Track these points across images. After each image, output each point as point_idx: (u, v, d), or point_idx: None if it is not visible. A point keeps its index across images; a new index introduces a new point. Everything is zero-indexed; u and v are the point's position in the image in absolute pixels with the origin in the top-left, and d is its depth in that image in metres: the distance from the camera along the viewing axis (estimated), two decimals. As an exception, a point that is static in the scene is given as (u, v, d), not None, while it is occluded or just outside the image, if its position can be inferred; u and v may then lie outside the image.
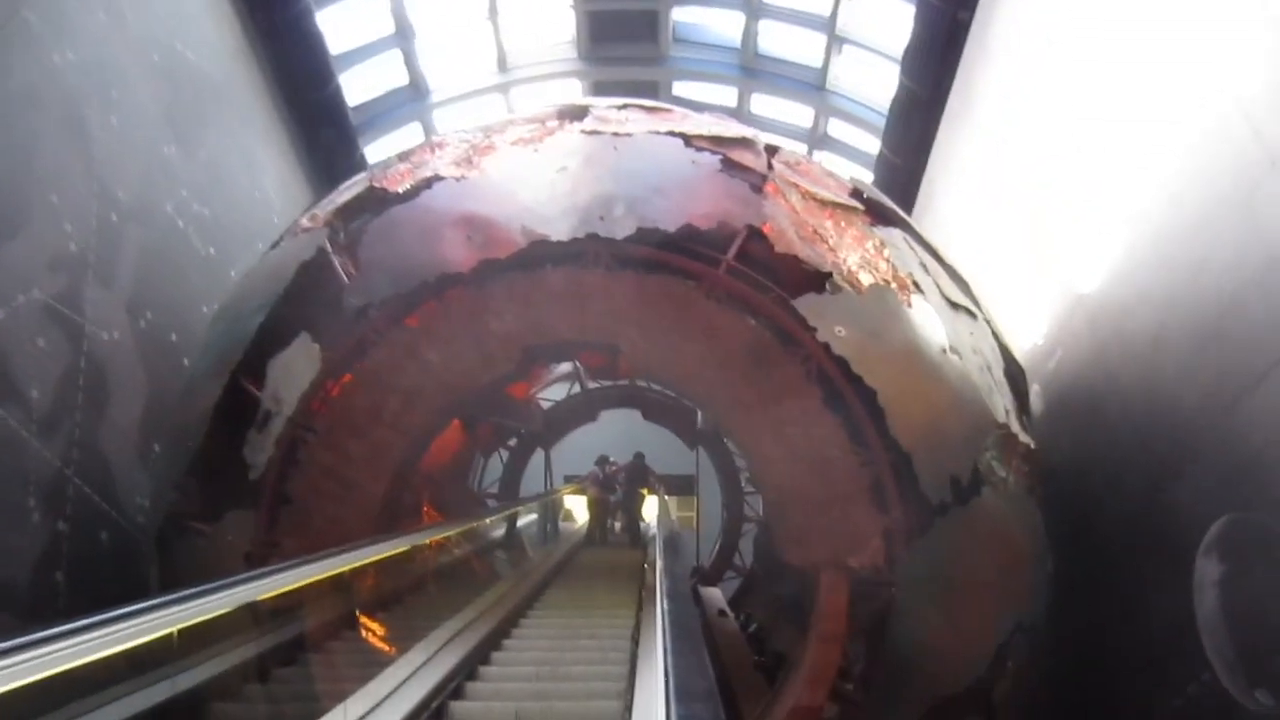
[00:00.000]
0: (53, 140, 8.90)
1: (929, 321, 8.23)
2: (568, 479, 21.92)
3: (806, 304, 7.92)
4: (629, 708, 5.40)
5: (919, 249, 9.19)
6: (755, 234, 8.28)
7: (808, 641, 7.45)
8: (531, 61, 18.69)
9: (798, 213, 8.50)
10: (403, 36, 16.86)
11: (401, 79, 17.77)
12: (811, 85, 17.95)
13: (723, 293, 8.02)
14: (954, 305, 8.82)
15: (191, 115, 11.96)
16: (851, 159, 17.97)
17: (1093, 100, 9.81)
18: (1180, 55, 7.95)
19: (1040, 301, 10.98)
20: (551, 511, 18.14)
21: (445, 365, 7.90)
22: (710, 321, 7.93)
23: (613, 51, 18.51)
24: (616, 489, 18.18)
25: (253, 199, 13.83)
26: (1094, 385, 9.56)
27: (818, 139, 18.66)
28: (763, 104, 18.91)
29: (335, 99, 15.72)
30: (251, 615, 5.79)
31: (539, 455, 19.96)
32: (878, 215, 9.15)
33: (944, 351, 8.09)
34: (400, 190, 8.76)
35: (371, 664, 7.01)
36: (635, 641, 7.00)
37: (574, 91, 18.76)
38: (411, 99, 18.01)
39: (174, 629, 4.39)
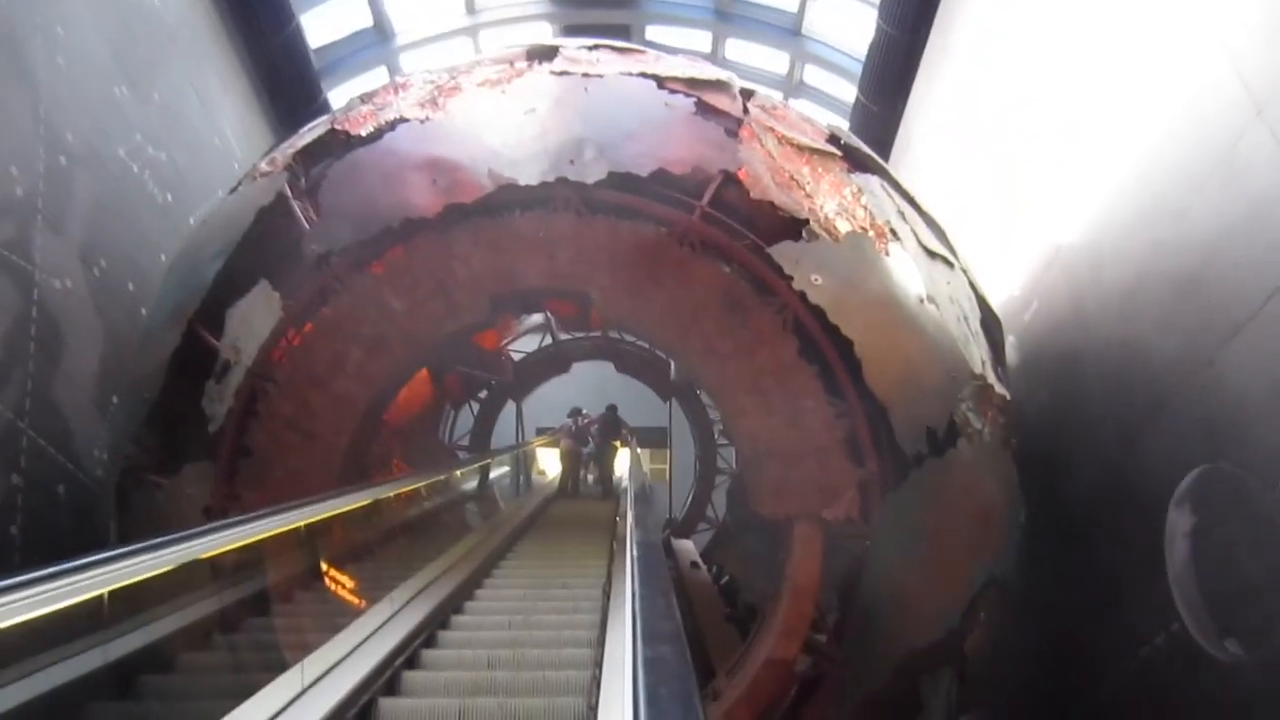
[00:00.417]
0: (-7, 78, 8.52)
1: (906, 270, 8.08)
2: (540, 431, 21.80)
3: (782, 251, 7.74)
4: (600, 655, 5.37)
5: (896, 196, 9.01)
6: (730, 179, 8.08)
7: (781, 594, 7.37)
8: (500, 4, 18.20)
9: (774, 158, 8.29)
10: (367, -25, 16.36)
11: (365, 20, 17.26)
12: (787, 30, 17.61)
13: (696, 239, 7.82)
14: (931, 254, 8.67)
15: (143, 55, 11.51)
16: (828, 107, 17.71)
17: (1073, 45, 9.61)
18: (1165, -2, 7.77)
19: (1017, 252, 10.86)
20: (524, 464, 18.03)
21: (409, 314, 7.65)
22: (683, 269, 7.74)
23: (584, -7, 18.09)
24: (590, 441, 18.07)
25: (212, 144, 13.40)
26: (1070, 336, 9.47)
27: (793, 86, 18.36)
28: (737, 50, 18.54)
29: (295, 40, 15.21)
30: (212, 569, 5.62)
31: (510, 408, 19.78)
32: (855, 162, 8.96)
33: (921, 301, 7.95)
34: (363, 133, 8.48)
35: (343, 614, 6.95)
36: (607, 595, 6.90)
37: (544, 35, 18.31)
38: (376, 42, 17.51)
39: (126, 583, 4.18)
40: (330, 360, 7.55)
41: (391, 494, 8.13)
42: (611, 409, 18.10)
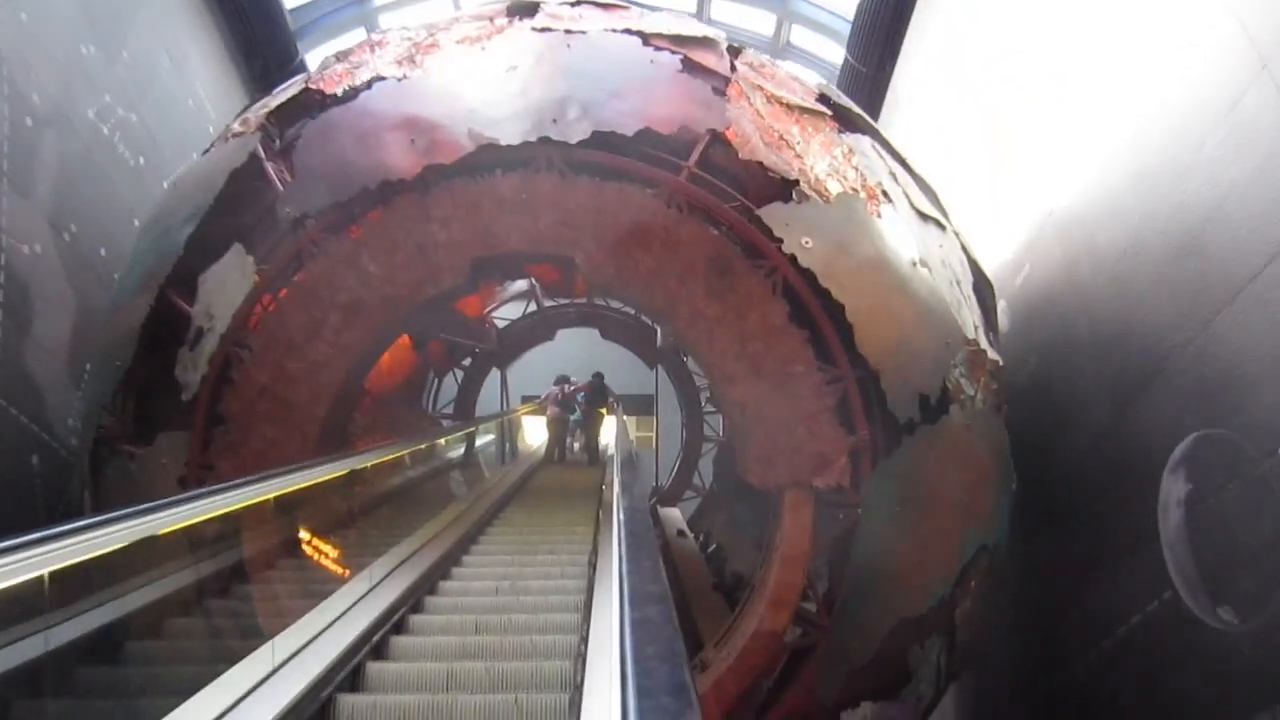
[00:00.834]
0: (-49, 36, 8.21)
1: (898, 233, 7.90)
2: (525, 399, 21.63)
3: (772, 213, 7.53)
4: (588, 617, 5.26)
5: (888, 157, 8.81)
6: (718, 139, 7.86)
7: (769, 563, 7.23)
8: (482, -39, 17.74)
9: (763, 117, 8.06)
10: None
11: (344, -22, 16.82)
12: (775, -12, 17.27)
13: (683, 201, 7.60)
14: (923, 216, 8.49)
15: (111, 13, 11.13)
16: (815, 69, 17.38)
17: (1065, 2, 9.39)
18: (1166, -52, 7.55)
19: (1009, 215, 10.68)
20: (510, 431, 17.89)
21: (388, 278, 7.42)
22: (670, 231, 7.52)
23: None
24: (576, 409, 17.92)
25: (185, 106, 13.05)
26: (1063, 301, 9.32)
27: (780, 47, 18.01)
28: (723, 10, 18.16)
29: (271, -1, 14.81)
30: (191, 539, 5.46)
31: (495, 375, 19.58)
32: (846, 122, 8.74)
33: (914, 265, 7.77)
34: (338, 92, 8.22)
35: (326, 582, 6.87)
36: (593, 566, 6.79)
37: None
38: (354, 1, 17.07)
39: (95, 554, 3.98)
40: (306, 326, 7.32)
41: (370, 463, 7.94)
42: (598, 376, 17.94)
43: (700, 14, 17.78)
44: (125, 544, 4.03)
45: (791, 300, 7.45)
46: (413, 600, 6.25)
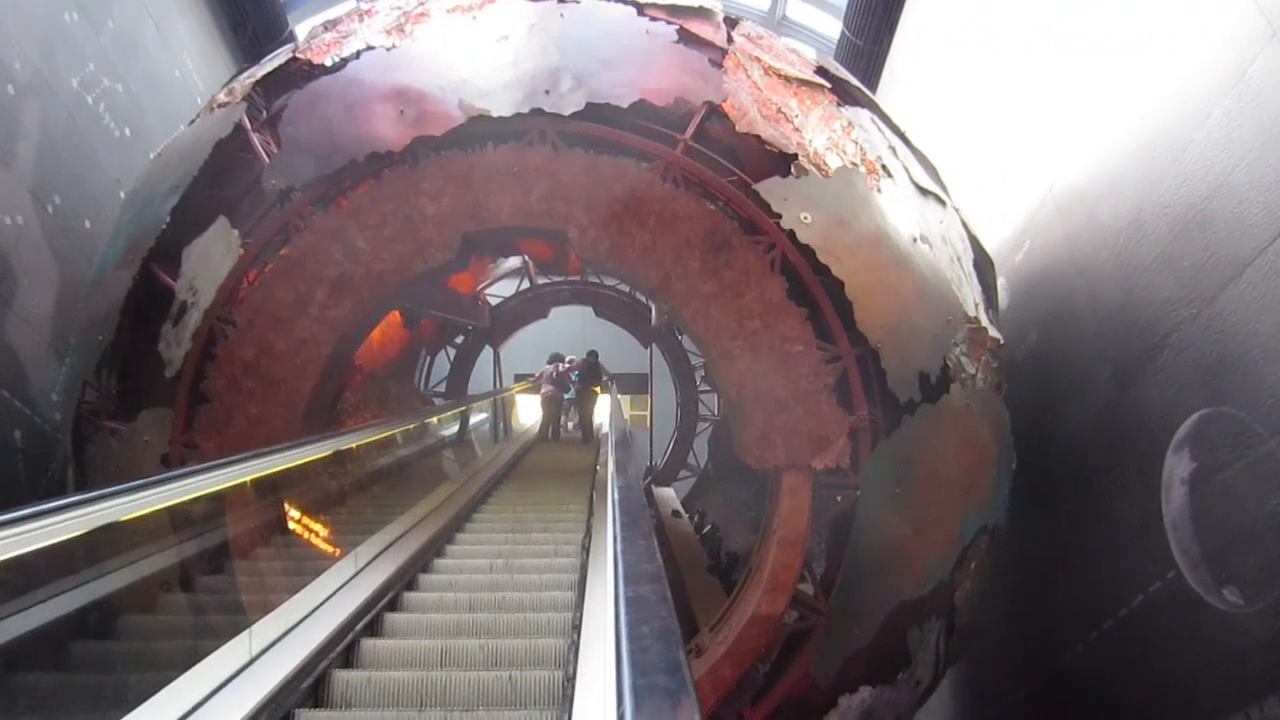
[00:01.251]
0: (-71, 1, 7.99)
1: (899, 208, 7.73)
2: (519, 378, 21.48)
3: (770, 188, 7.35)
4: (581, 597, 5.31)
5: (887, 131, 8.64)
6: (715, 111, 7.67)
7: (766, 546, 7.09)
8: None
9: (760, 89, 7.88)
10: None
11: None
12: (771, -39, 17.01)
13: (679, 175, 7.41)
14: (923, 191, 8.33)
15: (94, -21, 10.89)
16: (812, 44, 17.14)
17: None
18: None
19: (1008, 191, 10.51)
20: (503, 410, 17.75)
21: (376, 253, 7.23)
22: (666, 206, 7.34)
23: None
24: (570, 387, 17.78)
25: (172, 77, 12.81)
26: (1063, 276, 9.17)
27: (776, 22, 17.76)
28: (720, -17, 17.89)
29: (260, -32, 14.53)
30: (178, 517, 5.35)
31: (488, 353, 19.42)
32: (845, 95, 8.55)
33: (914, 241, 7.61)
34: (326, 61, 8.02)
35: (322, 559, 6.85)
36: (586, 550, 6.70)
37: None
38: (346, -28, 16.76)
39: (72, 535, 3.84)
40: (292, 301, 7.14)
41: (356, 444, 7.81)
42: (592, 355, 17.79)
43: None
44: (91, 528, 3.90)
45: (790, 277, 7.28)
46: (406, 578, 6.17)
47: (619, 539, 3.40)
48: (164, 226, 7.56)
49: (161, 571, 5.19)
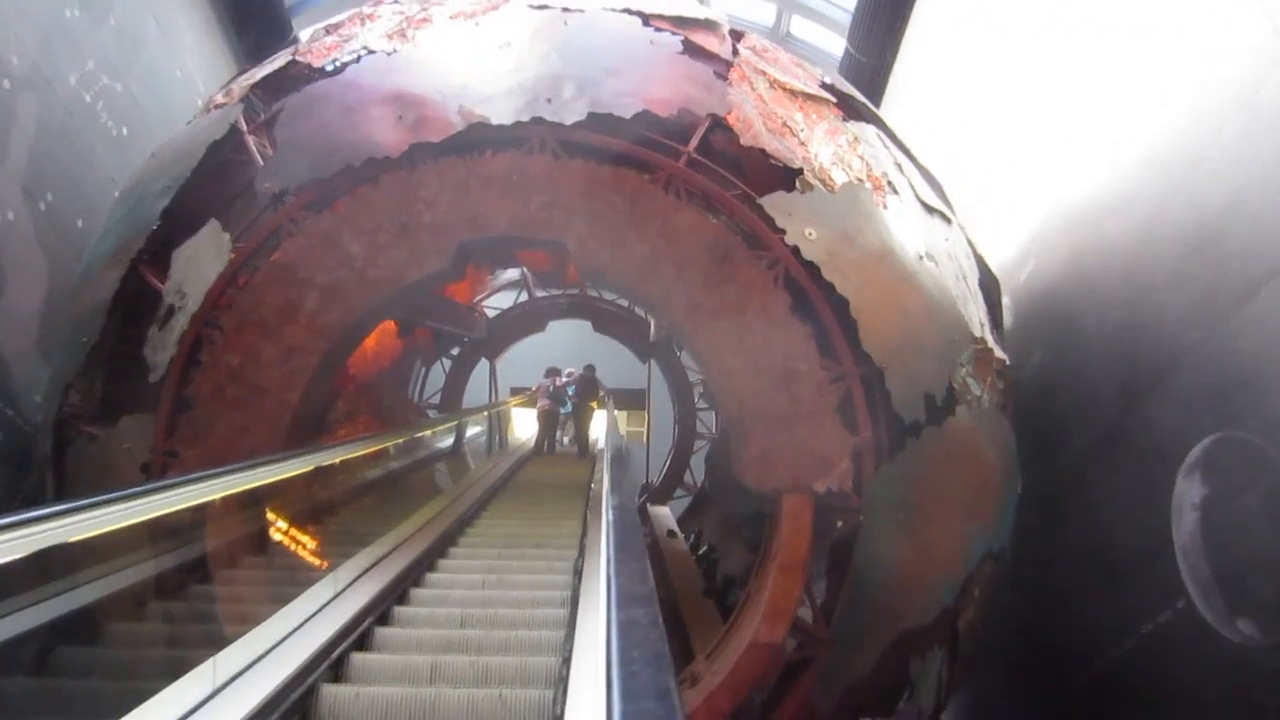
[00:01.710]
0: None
1: (905, 225, 7.58)
2: (514, 391, 21.28)
3: (774, 202, 7.18)
4: (574, 614, 5.13)
5: (893, 147, 8.51)
6: (719, 124, 7.52)
7: (766, 571, 6.86)
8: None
9: (765, 102, 7.74)
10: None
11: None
12: (775, -22, 16.94)
13: (682, 187, 7.24)
14: (929, 209, 8.18)
15: (95, -24, 10.76)
16: (816, 60, 17.04)
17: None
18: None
19: (1014, 208, 10.37)
20: (498, 424, 17.56)
21: (369, 260, 7.05)
22: (668, 218, 7.17)
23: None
24: (567, 401, 17.58)
25: (173, 77, 12.68)
26: (1069, 296, 9.02)
27: (780, 38, 17.69)
28: (722, -1, 17.84)
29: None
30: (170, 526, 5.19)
31: (484, 366, 19.23)
32: (850, 109, 8.43)
33: (920, 258, 7.45)
34: (325, 65, 7.91)
35: (313, 571, 6.76)
36: (579, 574, 6.51)
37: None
38: (350, -22, 16.67)
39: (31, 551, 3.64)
40: (282, 307, 6.94)
41: (339, 458, 7.63)
42: (589, 369, 17.61)
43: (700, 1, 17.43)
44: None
45: (794, 293, 7.10)
46: (397, 593, 6.06)
47: (613, 560, 3.34)
48: (154, 227, 7.42)
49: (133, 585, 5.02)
